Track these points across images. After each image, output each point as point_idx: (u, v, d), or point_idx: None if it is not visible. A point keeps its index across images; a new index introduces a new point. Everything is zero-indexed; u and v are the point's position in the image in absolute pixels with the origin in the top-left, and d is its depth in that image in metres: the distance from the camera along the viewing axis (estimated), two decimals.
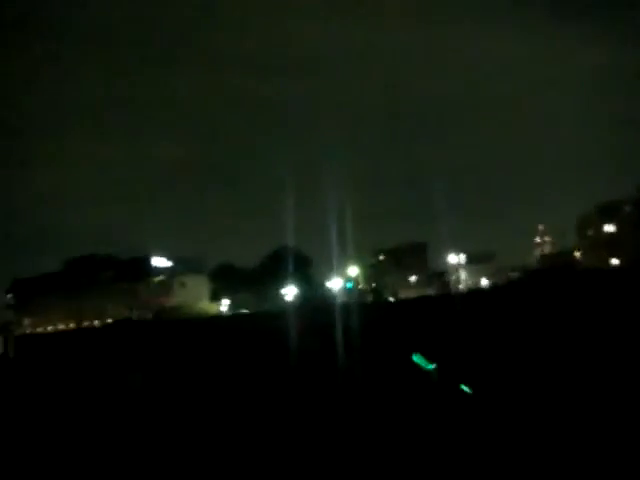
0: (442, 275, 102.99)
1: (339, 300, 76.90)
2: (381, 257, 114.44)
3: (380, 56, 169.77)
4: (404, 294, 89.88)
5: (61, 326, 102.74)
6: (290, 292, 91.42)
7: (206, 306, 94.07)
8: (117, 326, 78.23)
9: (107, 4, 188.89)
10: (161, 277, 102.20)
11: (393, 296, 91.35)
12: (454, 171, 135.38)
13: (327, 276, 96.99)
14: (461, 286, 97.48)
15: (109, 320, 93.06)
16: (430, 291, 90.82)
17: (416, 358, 20.93)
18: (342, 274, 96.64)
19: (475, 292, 77.96)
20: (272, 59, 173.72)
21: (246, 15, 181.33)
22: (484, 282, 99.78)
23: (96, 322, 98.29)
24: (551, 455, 14.35)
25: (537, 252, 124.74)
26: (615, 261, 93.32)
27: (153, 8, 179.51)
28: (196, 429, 20.47)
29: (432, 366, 20.57)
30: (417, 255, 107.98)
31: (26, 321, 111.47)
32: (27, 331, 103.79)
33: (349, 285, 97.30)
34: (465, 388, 18.97)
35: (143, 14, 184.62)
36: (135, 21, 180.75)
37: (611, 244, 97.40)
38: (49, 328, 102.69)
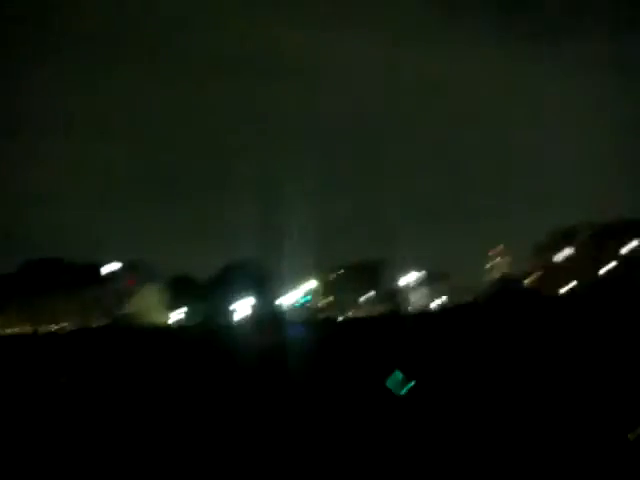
0: (394, 295, 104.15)
1: (289, 316, 77.86)
2: (339, 272, 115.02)
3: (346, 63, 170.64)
4: (353, 313, 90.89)
5: (16, 329, 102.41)
6: (243, 306, 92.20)
7: (158, 316, 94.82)
8: (73, 334, 78.37)
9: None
10: (116, 284, 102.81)
11: (341, 315, 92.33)
12: (418, 187, 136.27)
13: (284, 290, 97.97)
14: (410, 307, 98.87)
15: (64, 324, 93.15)
16: (380, 310, 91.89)
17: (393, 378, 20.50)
18: (298, 289, 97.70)
19: (422, 314, 79.04)
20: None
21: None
22: (433, 304, 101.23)
23: (52, 327, 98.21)
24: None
25: (493, 274, 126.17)
26: (569, 286, 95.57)
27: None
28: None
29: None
30: (370, 273, 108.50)
31: None
32: None
33: (305, 299, 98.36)
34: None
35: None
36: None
37: (566, 269, 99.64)
38: (6, 331, 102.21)
